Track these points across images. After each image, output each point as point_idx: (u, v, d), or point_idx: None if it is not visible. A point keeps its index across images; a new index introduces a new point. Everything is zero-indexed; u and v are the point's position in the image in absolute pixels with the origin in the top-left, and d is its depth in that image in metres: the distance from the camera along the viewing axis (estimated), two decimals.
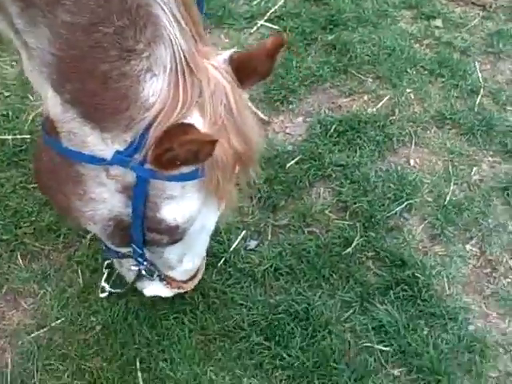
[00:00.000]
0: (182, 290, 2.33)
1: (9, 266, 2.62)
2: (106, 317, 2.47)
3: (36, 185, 2.68)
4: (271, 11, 3.84)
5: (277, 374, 2.38)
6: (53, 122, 1.74)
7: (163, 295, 2.33)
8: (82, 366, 2.35)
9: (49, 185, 1.91)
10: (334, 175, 3.03)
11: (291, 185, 2.98)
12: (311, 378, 2.35)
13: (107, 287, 2.37)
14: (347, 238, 2.78)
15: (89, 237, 2.69)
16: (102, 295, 2.40)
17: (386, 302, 2.57)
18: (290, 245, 2.75)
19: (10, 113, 3.19)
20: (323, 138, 3.19)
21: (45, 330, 2.45)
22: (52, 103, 1.70)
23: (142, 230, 1.84)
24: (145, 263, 2.07)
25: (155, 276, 2.15)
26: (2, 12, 1.60)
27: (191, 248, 2.05)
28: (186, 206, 1.77)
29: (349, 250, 2.73)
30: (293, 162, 3.06)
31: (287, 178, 3.01)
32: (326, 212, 2.89)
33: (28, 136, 3.07)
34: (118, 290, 2.38)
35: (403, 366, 2.42)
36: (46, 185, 1.94)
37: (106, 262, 2.41)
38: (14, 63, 3.43)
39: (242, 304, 2.54)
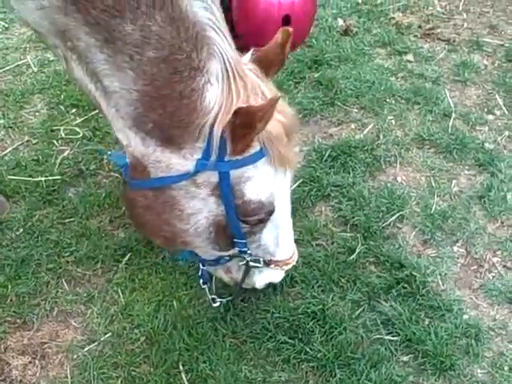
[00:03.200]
0: (289, 267, 2.60)
1: (56, 292, 2.94)
2: (148, 329, 2.79)
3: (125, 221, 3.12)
4: None
5: (302, 366, 2.72)
6: (137, 163, 2.05)
7: (275, 280, 2.65)
8: (132, 373, 2.65)
9: (150, 222, 2.20)
10: (332, 194, 3.44)
11: (296, 205, 3.36)
12: (332, 368, 2.69)
13: (217, 298, 2.72)
14: (350, 248, 3.16)
15: (124, 261, 3.03)
16: (215, 305, 2.74)
17: (389, 299, 2.95)
18: (301, 256, 3.10)
19: (40, 157, 3.55)
20: (319, 163, 3.61)
21: (95, 343, 2.75)
22: (134, 143, 2.02)
23: (238, 220, 2.16)
24: (249, 252, 2.35)
25: (261, 262, 2.44)
26: (84, 60, 1.88)
27: (280, 226, 2.38)
28: (262, 180, 2.10)
29: (353, 257, 3.12)
30: (295, 185, 3.45)
31: (292, 199, 3.32)
32: (329, 226, 3.28)
33: (58, 177, 3.43)
34: (229, 298, 2.74)
35: (410, 353, 2.77)
36: (147, 224, 2.23)
37: (201, 280, 2.70)
38: (37, 113, 3.80)
39: (265, 310, 2.89)
